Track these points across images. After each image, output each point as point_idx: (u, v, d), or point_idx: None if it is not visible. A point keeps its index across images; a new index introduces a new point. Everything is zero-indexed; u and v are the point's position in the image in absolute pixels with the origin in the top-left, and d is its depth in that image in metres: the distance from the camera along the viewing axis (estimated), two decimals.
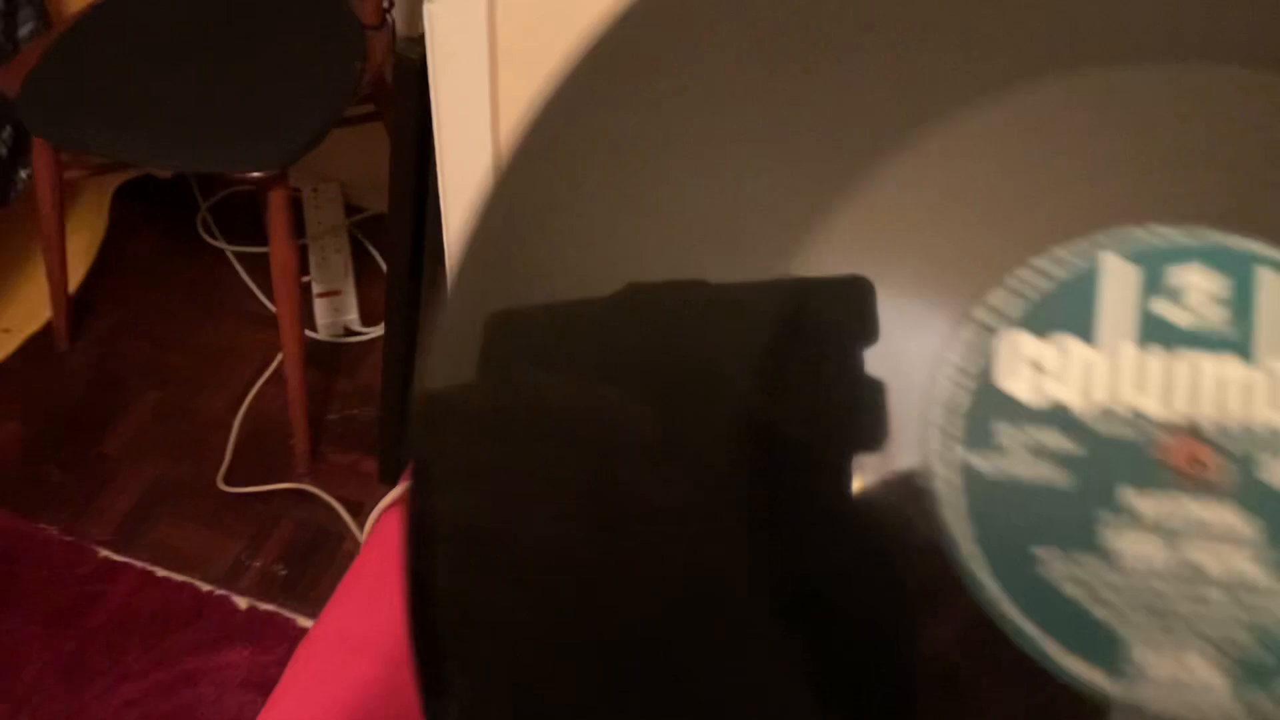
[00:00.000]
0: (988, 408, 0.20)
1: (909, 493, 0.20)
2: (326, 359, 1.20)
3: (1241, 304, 0.20)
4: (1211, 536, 0.19)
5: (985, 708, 0.19)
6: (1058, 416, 0.20)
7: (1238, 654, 0.19)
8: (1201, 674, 0.19)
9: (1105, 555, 0.19)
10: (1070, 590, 0.19)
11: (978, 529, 0.20)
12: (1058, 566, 0.20)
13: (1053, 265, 0.21)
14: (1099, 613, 0.19)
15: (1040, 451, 0.20)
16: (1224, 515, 0.19)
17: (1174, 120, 0.21)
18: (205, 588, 1.00)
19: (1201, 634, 0.19)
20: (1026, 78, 0.22)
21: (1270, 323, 0.20)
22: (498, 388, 0.22)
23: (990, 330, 0.21)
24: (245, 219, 1.31)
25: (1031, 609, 0.19)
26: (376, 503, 0.48)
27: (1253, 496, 0.19)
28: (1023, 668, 0.19)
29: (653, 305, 0.22)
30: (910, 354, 0.21)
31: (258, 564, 1.03)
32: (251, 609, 0.99)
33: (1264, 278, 0.20)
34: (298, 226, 1.06)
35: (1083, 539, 0.20)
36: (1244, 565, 0.19)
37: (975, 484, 0.20)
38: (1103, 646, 0.19)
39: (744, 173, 0.23)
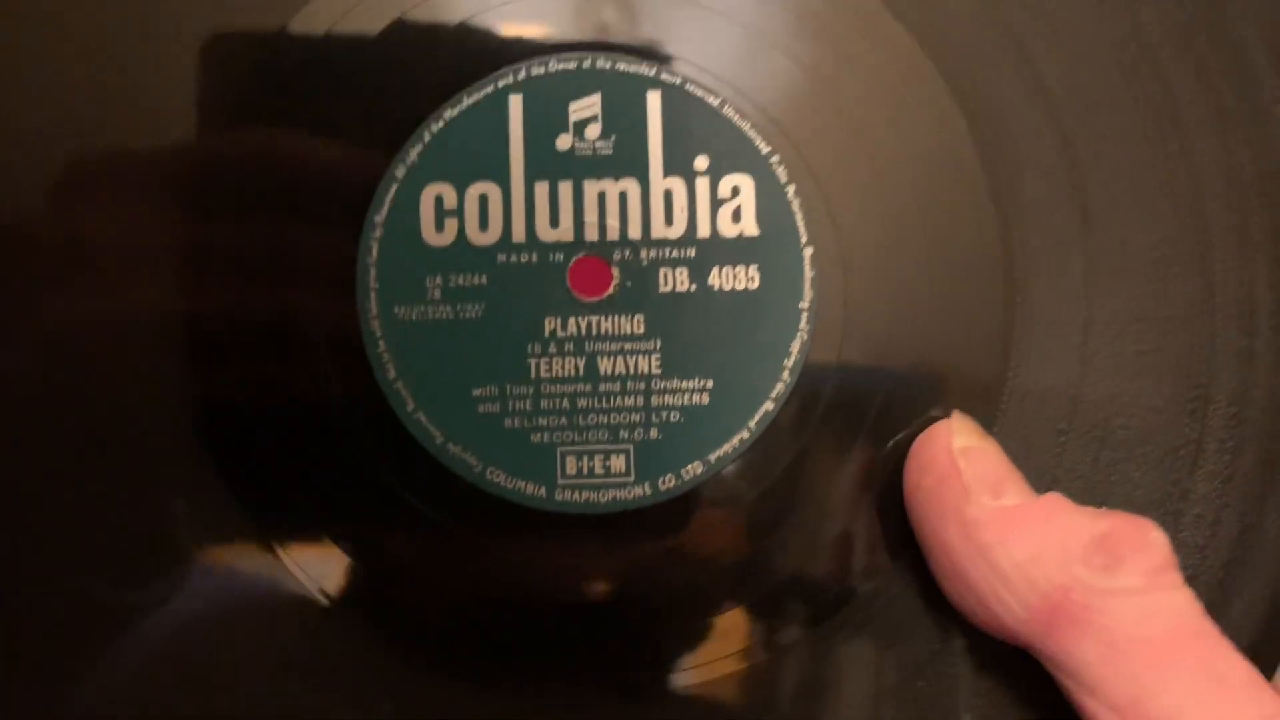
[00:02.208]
0: (417, 261, 0.21)
1: (343, 352, 0.21)
2: None
3: (637, 129, 0.22)
4: (621, 345, 0.21)
5: (431, 539, 0.21)
6: (478, 259, 0.21)
7: (640, 439, 0.21)
8: (617, 466, 0.21)
9: (535, 382, 0.21)
10: (509, 423, 0.21)
11: (413, 379, 0.21)
12: (493, 404, 0.21)
13: (462, 112, 0.22)
14: (535, 438, 0.21)
15: (461, 294, 0.21)
16: (629, 325, 0.21)
17: None
18: None
19: (615, 431, 0.21)
20: None
21: (658, 144, 0.22)
22: None
23: (410, 185, 0.21)
24: None
25: (474, 445, 0.21)
26: None
27: (651, 303, 0.21)
28: (472, 496, 0.21)
29: None
30: (336, 216, 0.21)
31: None
32: None
33: (653, 102, 0.22)
34: None
35: (514, 372, 0.21)
36: (644, 364, 0.21)
37: (402, 336, 0.21)
38: (542, 466, 0.21)
39: None
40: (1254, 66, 0.22)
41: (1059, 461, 0.21)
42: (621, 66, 0.22)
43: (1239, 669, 0.17)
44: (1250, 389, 0.21)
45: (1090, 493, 0.21)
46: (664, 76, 0.22)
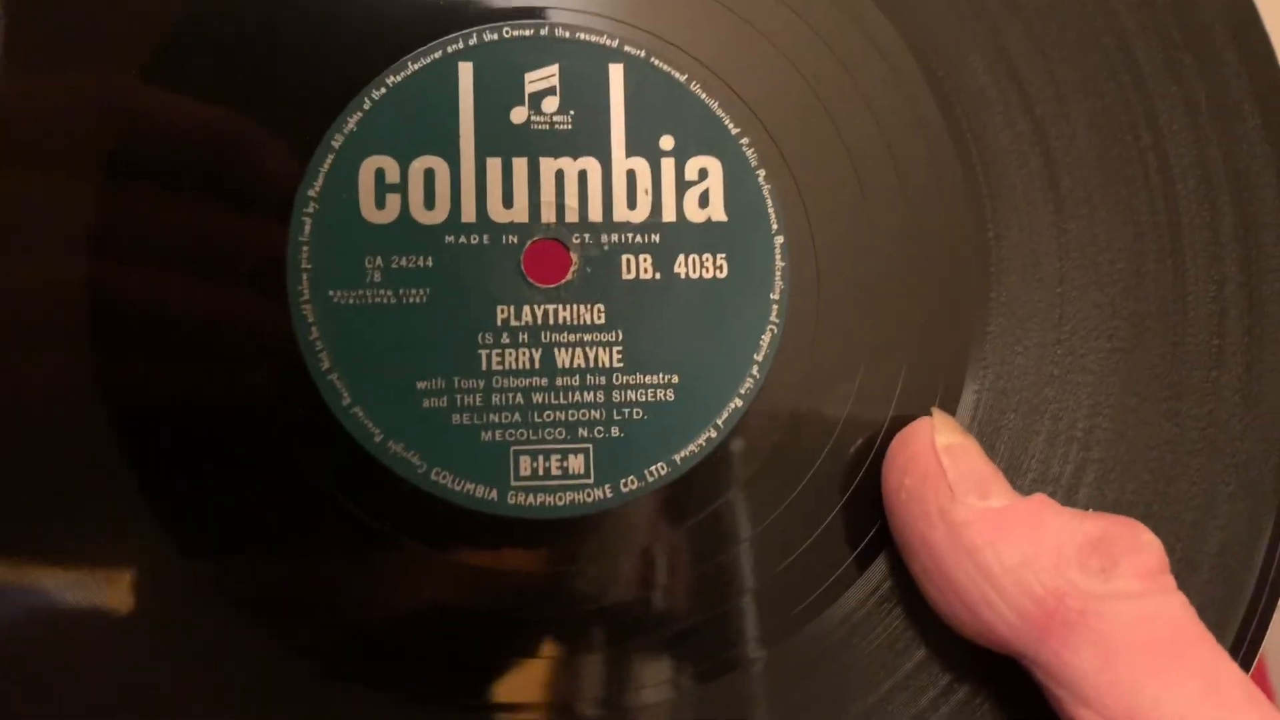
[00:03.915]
0: (355, 240, 0.19)
1: (276, 343, 0.19)
2: None
3: (598, 104, 0.20)
4: (580, 336, 0.20)
5: (379, 542, 0.19)
6: (423, 239, 0.19)
7: (601, 437, 0.20)
8: (575, 467, 0.19)
9: (486, 375, 0.19)
10: (457, 420, 0.19)
11: (350, 370, 0.19)
12: (439, 398, 0.19)
13: (407, 79, 0.20)
14: (486, 436, 0.19)
15: (404, 277, 0.19)
16: (588, 314, 0.20)
17: None
18: None
19: (574, 429, 0.20)
20: None
21: (620, 121, 0.20)
22: None
23: (348, 156, 0.19)
24: None
25: (418, 443, 0.19)
26: None
27: (611, 291, 0.20)
28: (416, 499, 0.19)
29: None
30: (265, 192, 0.19)
31: None
32: None
33: (615, 76, 0.20)
34: None
35: (463, 364, 0.19)
36: (605, 356, 0.20)
37: (338, 323, 0.19)
38: (493, 466, 0.19)
39: None
40: (1224, 64, 0.21)
41: (1032, 460, 0.21)
42: (582, 36, 0.20)
43: (1236, 677, 0.17)
44: (1221, 390, 0.21)
45: (1065, 493, 0.20)
46: (627, 49, 0.20)
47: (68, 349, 0.19)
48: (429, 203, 0.20)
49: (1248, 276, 0.21)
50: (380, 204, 0.19)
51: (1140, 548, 0.17)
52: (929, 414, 0.19)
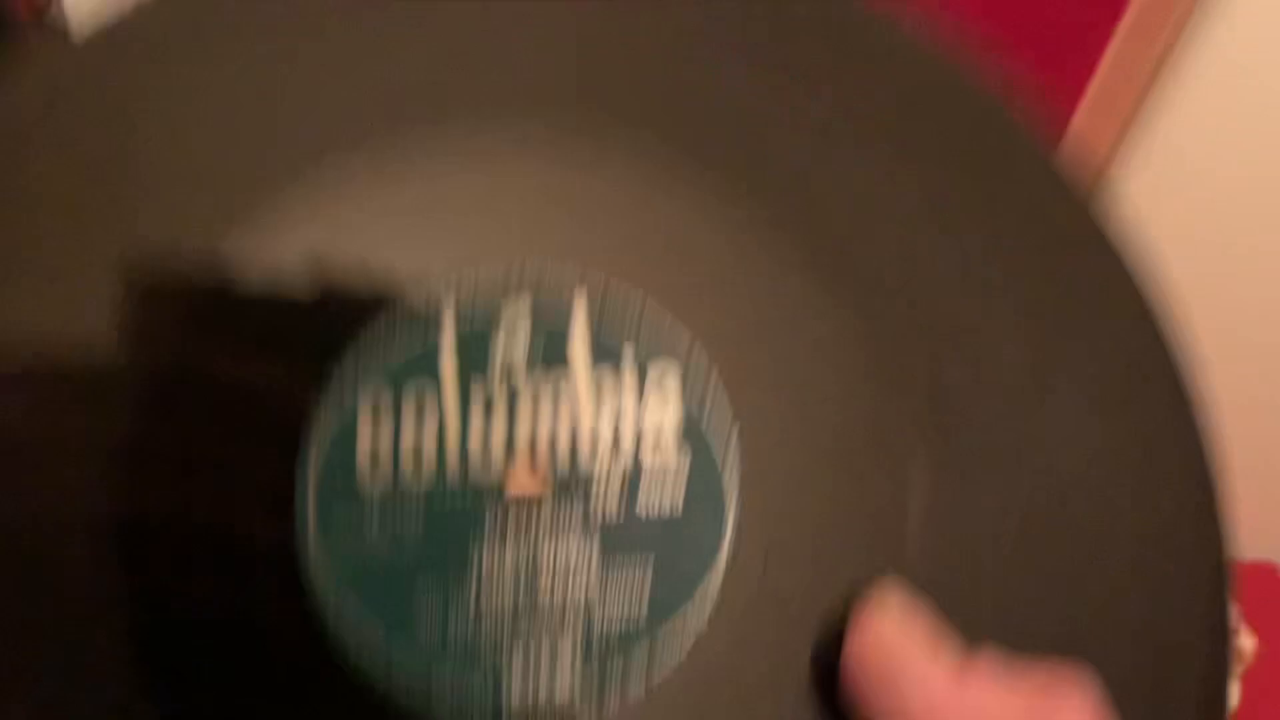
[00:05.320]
0: (353, 484, 0.21)
1: (283, 596, 0.20)
2: None
3: (561, 335, 0.22)
4: (560, 544, 0.22)
5: None
6: (415, 489, 0.21)
7: (583, 637, 0.21)
8: (562, 665, 0.21)
9: (479, 614, 0.21)
10: (451, 637, 0.21)
11: (359, 620, 0.20)
12: (434, 626, 0.21)
13: (398, 333, 0.22)
14: (487, 659, 0.21)
15: (400, 518, 0.21)
16: (567, 516, 0.22)
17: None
18: None
19: (554, 635, 0.21)
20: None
21: (583, 349, 0.22)
22: None
23: (347, 409, 0.21)
24: None
25: (424, 669, 0.20)
26: None
27: (589, 499, 0.22)
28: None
29: None
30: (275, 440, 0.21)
31: None
32: None
33: (579, 308, 0.22)
34: None
35: (459, 601, 0.21)
36: (580, 559, 0.22)
37: (345, 573, 0.20)
38: (488, 682, 0.21)
39: None
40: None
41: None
42: (551, 273, 0.23)
43: None
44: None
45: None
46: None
47: (96, 569, 0.20)
48: (418, 468, 0.21)
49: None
50: (374, 475, 0.21)
51: (1071, 711, 0.20)
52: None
